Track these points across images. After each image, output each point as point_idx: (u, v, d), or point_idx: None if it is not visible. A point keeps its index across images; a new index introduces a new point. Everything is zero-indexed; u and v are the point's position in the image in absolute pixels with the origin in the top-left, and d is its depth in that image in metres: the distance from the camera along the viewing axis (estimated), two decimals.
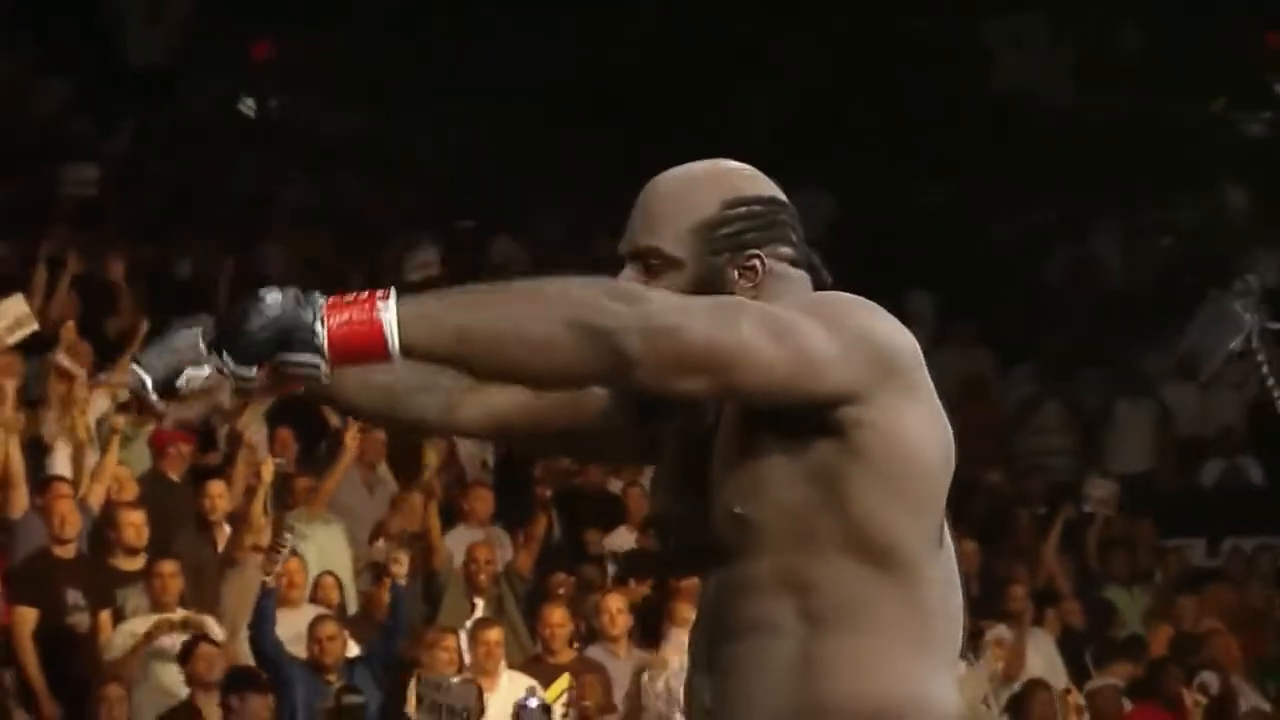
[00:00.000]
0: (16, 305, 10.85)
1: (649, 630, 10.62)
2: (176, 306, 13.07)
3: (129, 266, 13.01)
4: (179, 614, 9.66)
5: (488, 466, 12.78)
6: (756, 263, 3.12)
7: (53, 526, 9.91)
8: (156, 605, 9.70)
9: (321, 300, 2.83)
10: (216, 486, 10.57)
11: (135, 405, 2.81)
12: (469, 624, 10.31)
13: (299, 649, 9.62)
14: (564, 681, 9.89)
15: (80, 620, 9.85)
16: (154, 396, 2.93)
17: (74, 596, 9.88)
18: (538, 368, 2.85)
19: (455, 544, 11.26)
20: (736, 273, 3.12)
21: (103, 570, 10.06)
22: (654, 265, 3.12)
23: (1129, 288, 16.95)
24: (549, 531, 11.69)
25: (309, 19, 16.99)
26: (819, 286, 3.18)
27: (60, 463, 10.58)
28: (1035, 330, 16.16)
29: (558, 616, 10.35)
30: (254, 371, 2.84)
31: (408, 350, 2.81)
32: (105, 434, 10.70)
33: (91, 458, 10.70)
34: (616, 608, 10.50)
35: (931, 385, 3.06)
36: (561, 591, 10.77)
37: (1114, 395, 15.09)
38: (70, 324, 11.28)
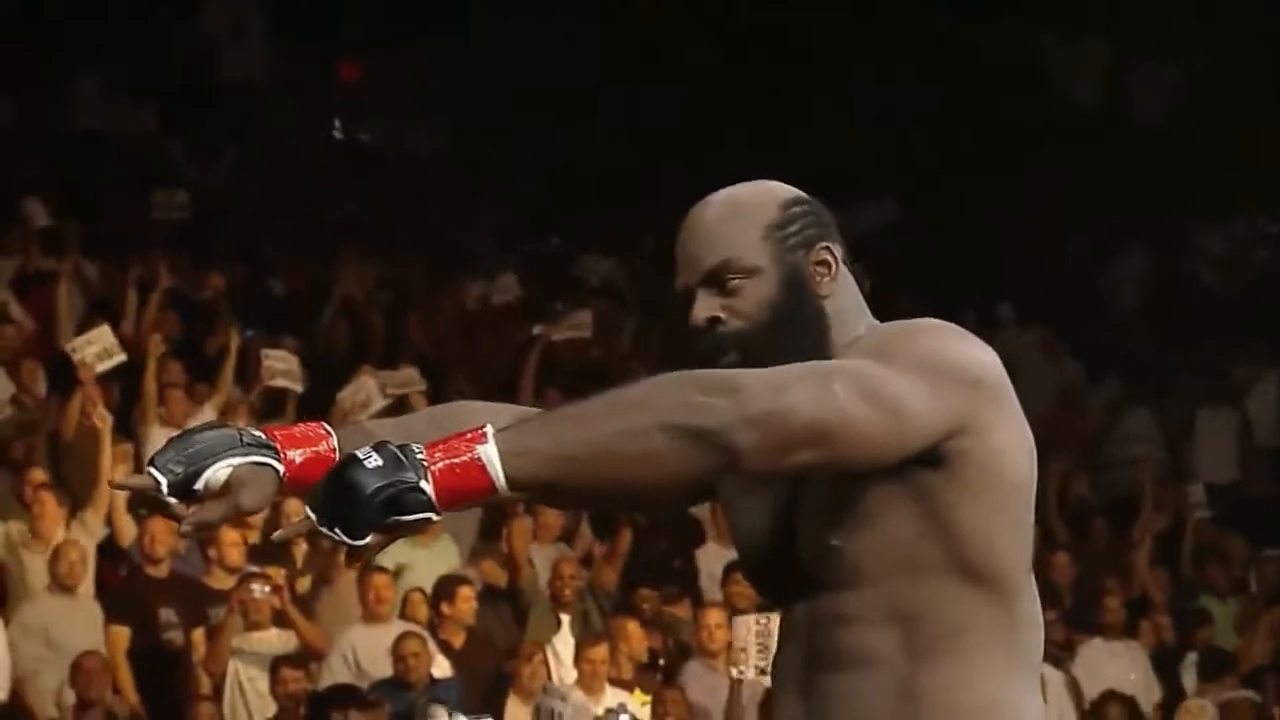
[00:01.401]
0: (104, 335, 11.00)
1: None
2: (271, 324, 13.23)
3: (225, 286, 13.14)
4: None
5: None
6: (828, 255, 3.09)
7: (144, 546, 10.02)
8: (251, 623, 9.78)
9: (421, 454, 2.78)
10: (294, 504, 10.65)
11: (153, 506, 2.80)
12: (555, 639, 10.37)
13: (386, 666, 9.68)
14: (644, 696, 9.94)
15: (174, 637, 9.95)
16: (171, 499, 2.92)
17: (167, 615, 9.99)
18: (646, 482, 2.82)
19: (540, 559, 11.31)
20: (816, 266, 3.09)
21: (196, 587, 10.16)
22: (732, 280, 3.07)
23: (1221, 297, 16.86)
24: (634, 547, 11.70)
25: (391, 38, 17.10)
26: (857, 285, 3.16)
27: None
28: (1121, 340, 16.09)
29: (635, 631, 10.38)
30: (368, 538, 2.80)
31: (514, 486, 2.78)
32: None
33: None
34: (715, 623, 10.50)
35: (1015, 397, 3.03)
36: (646, 606, 10.79)
37: (1198, 404, 14.99)
38: (157, 338, 11.42)
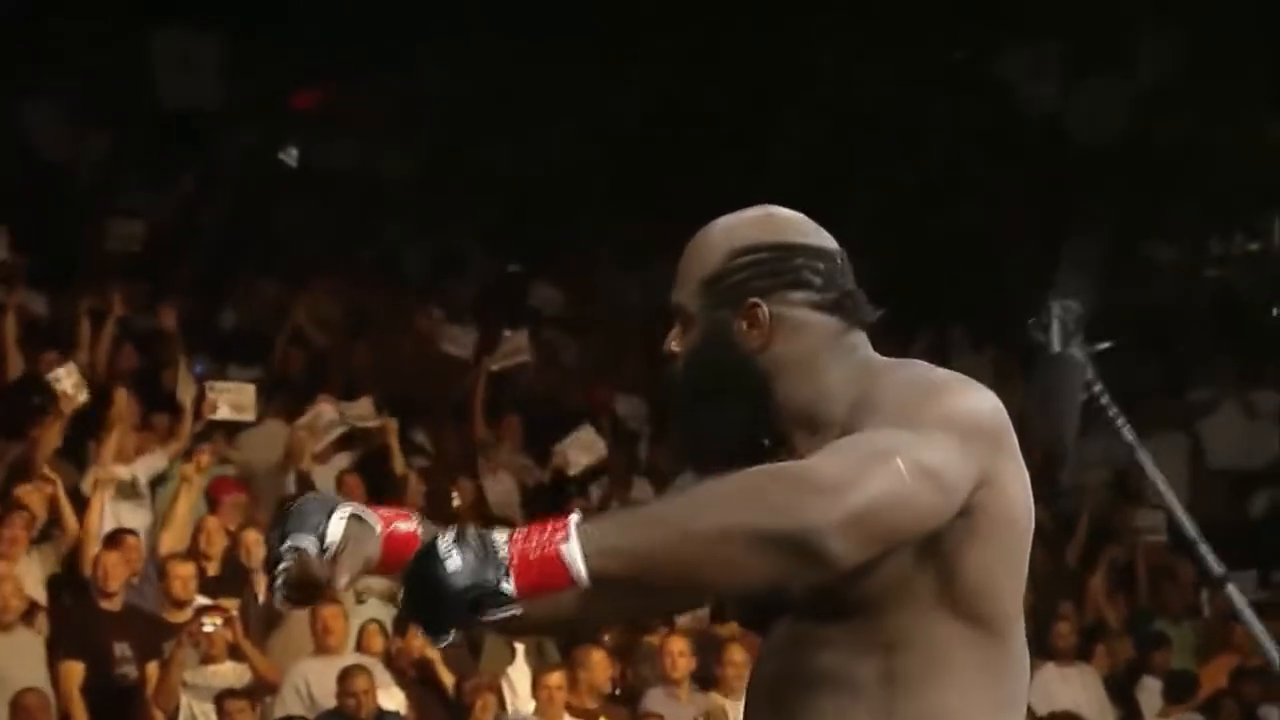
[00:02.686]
0: (70, 373, 11.01)
1: (708, 674, 10.62)
2: (224, 357, 13.21)
3: (179, 318, 13.10)
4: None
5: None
6: (758, 312, 3.09)
7: (97, 579, 9.98)
8: (205, 657, 9.75)
9: (503, 550, 2.78)
10: (251, 535, 10.65)
11: (298, 587, 2.75)
12: (510, 669, 10.36)
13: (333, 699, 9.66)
14: None
15: (128, 672, 9.90)
16: (321, 559, 2.95)
17: (121, 649, 9.94)
18: (729, 584, 2.86)
19: None
20: (745, 324, 3.09)
21: (150, 621, 10.12)
22: (682, 321, 3.13)
23: (1175, 318, 16.90)
24: None
25: (347, 63, 17.06)
26: (860, 328, 3.15)
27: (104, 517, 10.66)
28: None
29: (599, 660, 10.35)
30: (450, 636, 2.82)
31: (595, 582, 2.78)
32: (171, 485, 10.84)
33: (131, 511, 10.82)
34: (679, 650, 10.49)
35: (1015, 442, 3.05)
36: (605, 637, 10.77)
37: (1150, 429, 15.03)
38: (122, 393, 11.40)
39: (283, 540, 2.96)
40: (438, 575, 2.75)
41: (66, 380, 10.95)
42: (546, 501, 12.46)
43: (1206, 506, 14.83)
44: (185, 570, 10.16)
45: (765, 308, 3.09)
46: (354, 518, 2.99)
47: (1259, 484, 14.96)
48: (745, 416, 3.10)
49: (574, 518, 2.80)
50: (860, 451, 2.86)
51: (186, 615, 9.98)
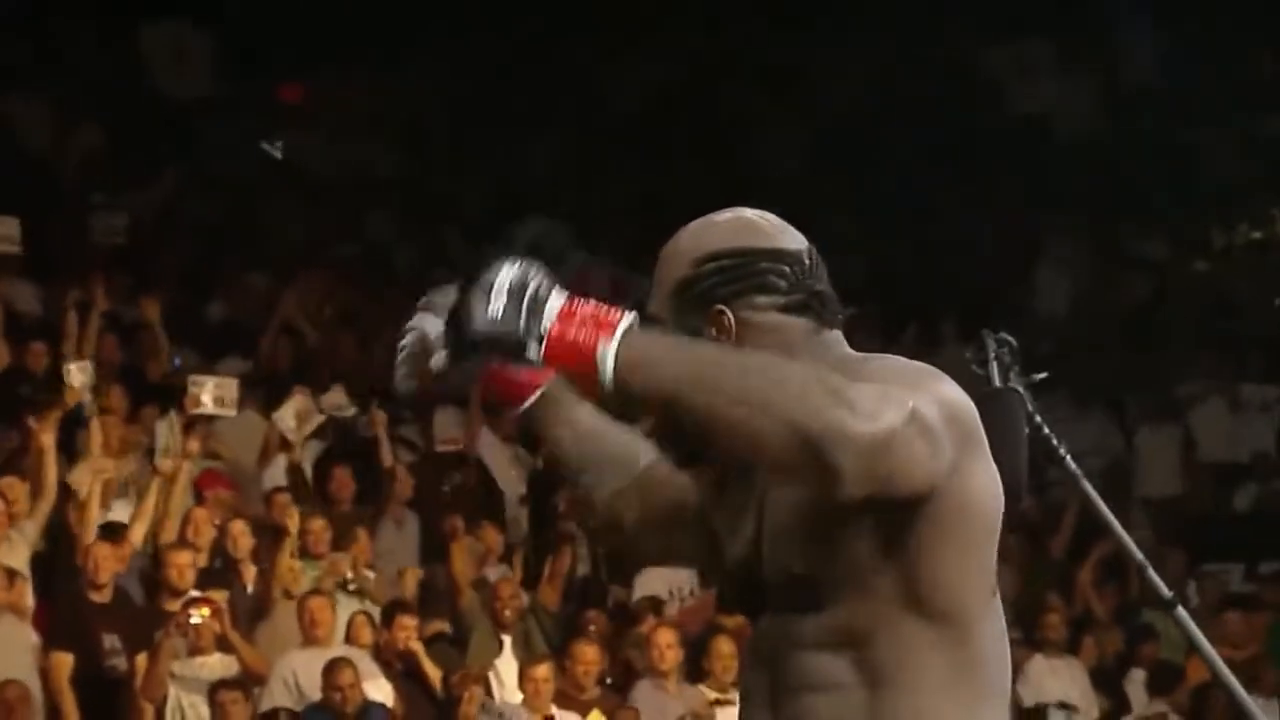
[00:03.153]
0: (84, 370, 11.02)
1: (697, 667, 10.63)
2: (210, 347, 13.19)
3: (163, 311, 13.07)
4: None
5: (525, 501, 12.81)
6: (723, 318, 3.09)
7: (87, 571, 9.96)
8: (193, 648, 9.74)
9: (551, 318, 2.83)
10: (238, 525, 10.66)
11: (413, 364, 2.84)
12: (498, 662, 10.35)
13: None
14: (601, 717, 9.93)
15: (118, 664, 9.89)
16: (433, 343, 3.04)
17: (111, 641, 9.92)
18: (737, 449, 2.86)
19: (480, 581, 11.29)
20: (713, 330, 3.10)
21: (139, 612, 10.11)
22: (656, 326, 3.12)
23: (1164, 311, 16.92)
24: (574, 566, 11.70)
25: (335, 57, 17.06)
26: (832, 327, 3.15)
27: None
28: (1064, 355, 16.12)
29: (590, 654, 10.36)
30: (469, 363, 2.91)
31: (617, 391, 2.83)
32: (148, 479, 10.83)
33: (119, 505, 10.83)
34: (666, 642, 10.49)
35: (985, 439, 3.05)
36: (593, 629, 10.77)
37: (1141, 420, 15.06)
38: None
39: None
40: (473, 313, 2.83)
41: (79, 376, 11.00)
42: (542, 487, 12.46)
43: (1197, 499, 14.89)
44: (183, 559, 10.12)
45: (730, 314, 3.10)
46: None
47: (1245, 477, 14.97)
48: None
49: (629, 319, 2.85)
50: (884, 392, 2.87)
51: (178, 605, 9.95)
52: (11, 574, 9.83)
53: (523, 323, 2.82)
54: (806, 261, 3.14)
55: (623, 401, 2.90)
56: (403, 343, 3.14)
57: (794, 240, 3.16)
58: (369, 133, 17.39)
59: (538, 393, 3.12)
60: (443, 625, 10.91)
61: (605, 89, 17.57)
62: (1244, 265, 17.18)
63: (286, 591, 10.38)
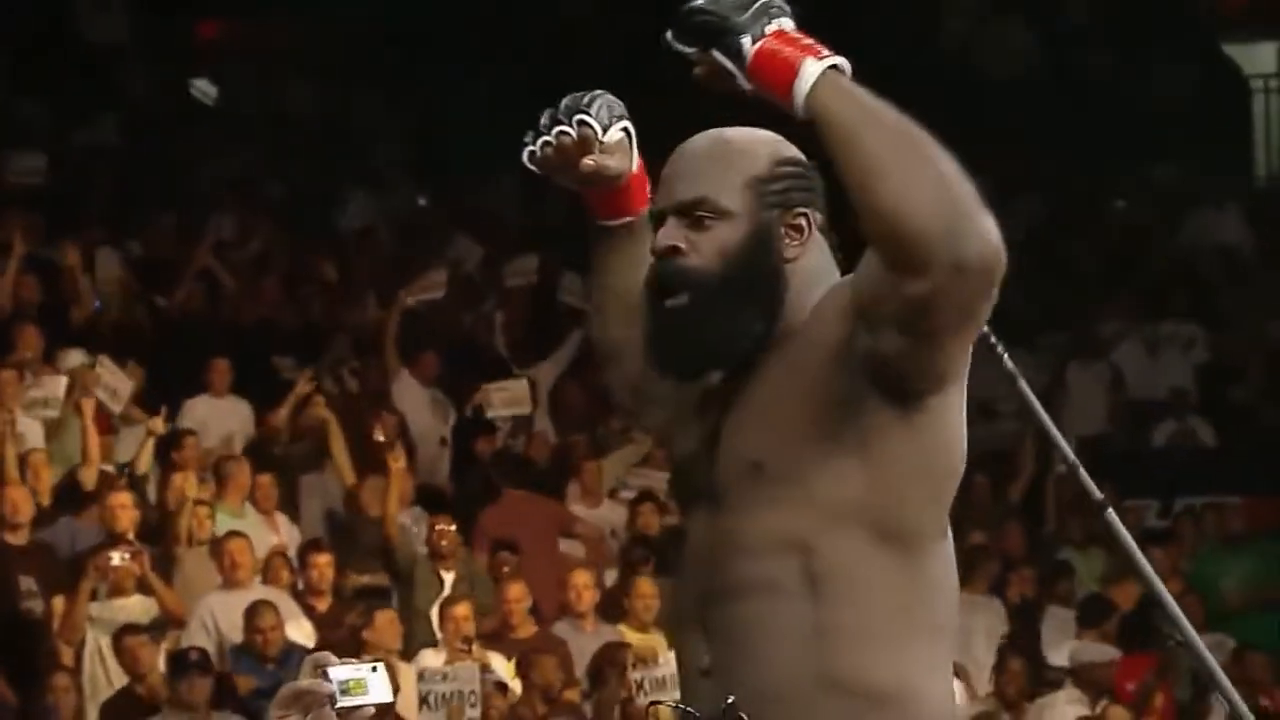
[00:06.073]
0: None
1: (615, 607, 10.65)
2: (130, 291, 13.06)
3: (82, 252, 12.93)
4: None
5: (445, 442, 12.72)
6: (803, 221, 3.14)
7: (3, 512, 9.88)
8: (112, 590, 9.68)
9: (772, 23, 2.97)
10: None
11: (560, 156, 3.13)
12: (437, 603, 10.32)
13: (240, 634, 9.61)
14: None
15: (34, 606, 9.83)
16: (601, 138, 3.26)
17: (27, 583, 9.87)
18: (881, 199, 2.89)
19: (416, 522, 11.24)
20: (791, 231, 3.13)
21: (56, 556, 10.05)
22: (704, 217, 3.11)
23: (1085, 250, 16.97)
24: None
25: None
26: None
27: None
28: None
29: (516, 592, 10.35)
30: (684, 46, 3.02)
31: (808, 109, 2.93)
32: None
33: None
34: (584, 583, 10.51)
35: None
36: (506, 570, 10.76)
37: (1067, 359, 15.11)
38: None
39: (576, 112, 3.24)
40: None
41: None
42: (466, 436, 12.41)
43: (1121, 436, 14.96)
44: (123, 499, 10.00)
45: (810, 219, 3.15)
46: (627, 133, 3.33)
47: (1162, 414, 15.06)
48: (758, 325, 3.10)
49: (837, 60, 2.95)
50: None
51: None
52: None
53: (750, 14, 2.95)
54: None
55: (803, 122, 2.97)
56: (563, 127, 3.24)
57: None
58: (290, 72, 17.26)
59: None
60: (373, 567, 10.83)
61: (535, 20, 17.43)
62: (1159, 203, 17.25)
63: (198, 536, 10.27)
